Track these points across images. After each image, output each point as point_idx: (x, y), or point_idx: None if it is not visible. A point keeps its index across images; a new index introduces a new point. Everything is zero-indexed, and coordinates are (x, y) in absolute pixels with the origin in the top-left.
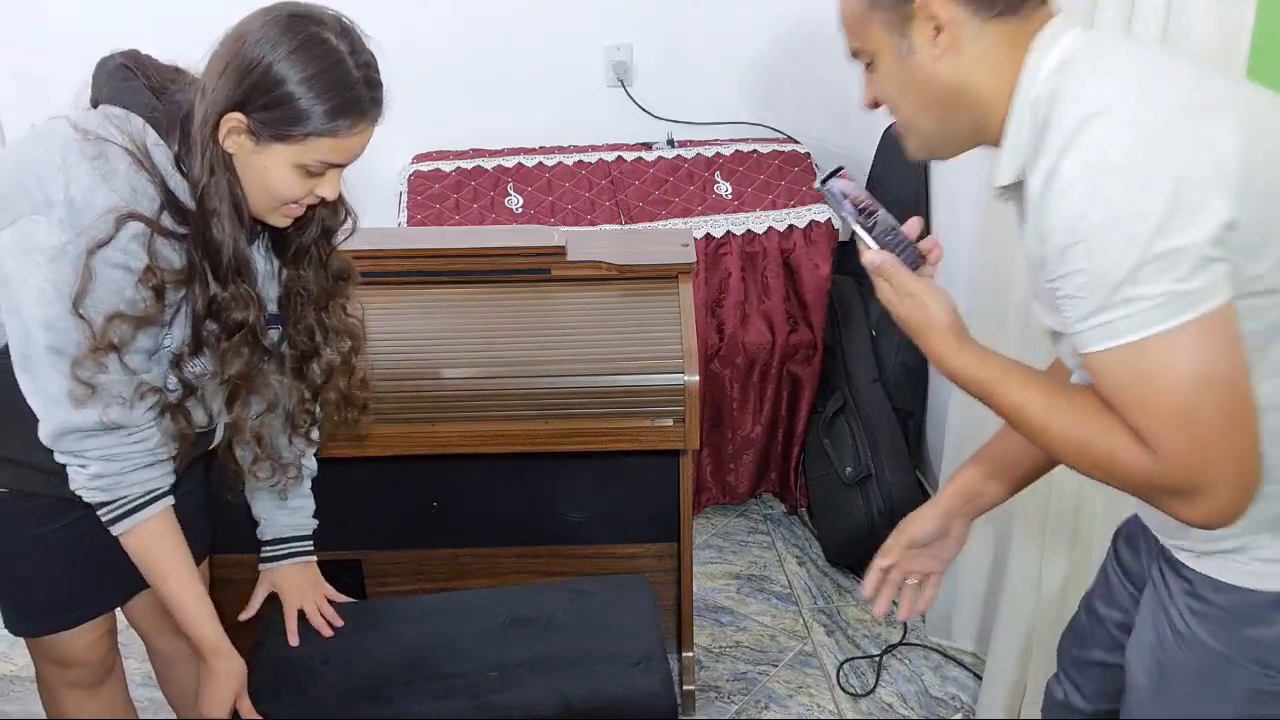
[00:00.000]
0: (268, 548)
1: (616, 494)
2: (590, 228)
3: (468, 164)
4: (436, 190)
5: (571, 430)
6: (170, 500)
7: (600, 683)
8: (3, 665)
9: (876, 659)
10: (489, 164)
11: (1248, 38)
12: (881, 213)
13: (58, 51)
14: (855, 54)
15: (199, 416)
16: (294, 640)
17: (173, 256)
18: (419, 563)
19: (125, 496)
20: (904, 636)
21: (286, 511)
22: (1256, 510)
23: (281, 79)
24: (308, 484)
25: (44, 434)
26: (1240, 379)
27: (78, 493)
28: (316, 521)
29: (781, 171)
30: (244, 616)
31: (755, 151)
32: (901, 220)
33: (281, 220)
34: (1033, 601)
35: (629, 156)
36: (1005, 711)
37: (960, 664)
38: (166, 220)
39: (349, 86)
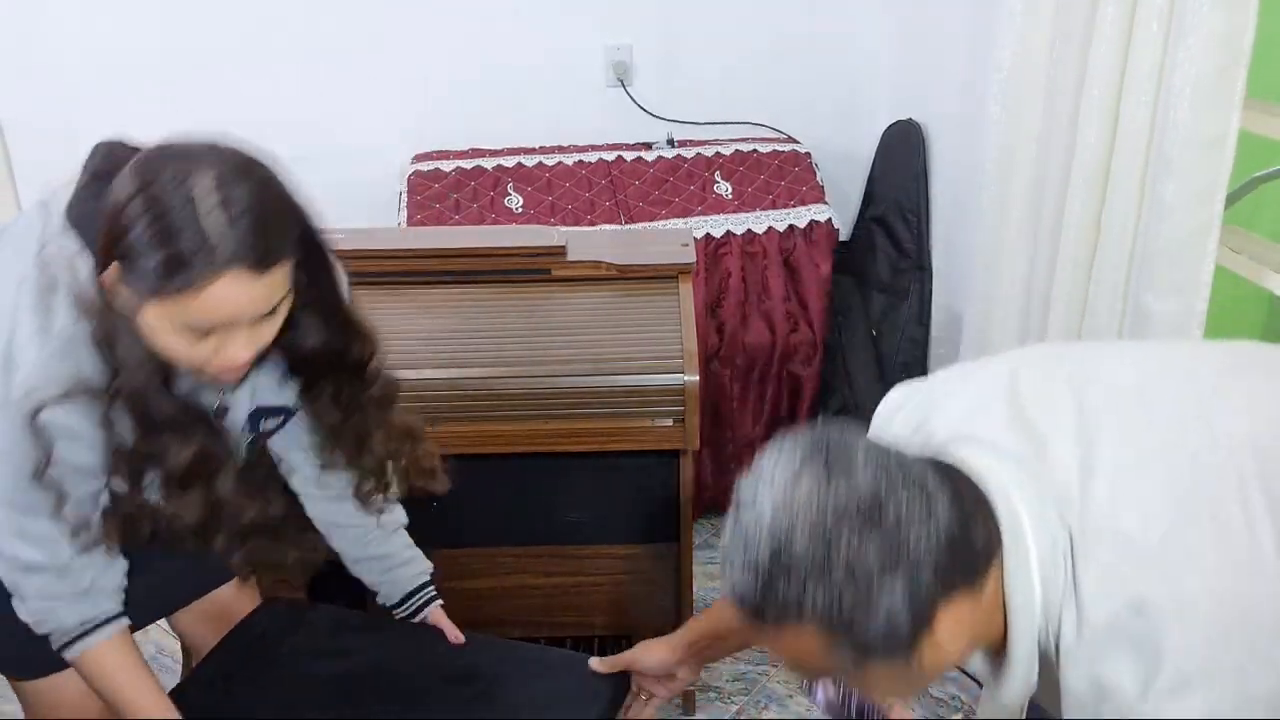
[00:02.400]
0: (400, 610)
1: (616, 494)
2: (590, 228)
3: (468, 164)
4: (436, 190)
5: (571, 430)
6: (116, 626)
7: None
8: None
9: None
10: (489, 164)
11: (1249, 38)
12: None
13: (58, 50)
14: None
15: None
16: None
17: (98, 423)
18: None
19: (60, 628)
20: None
21: (393, 573)
22: None
23: (124, 228)
24: (402, 534)
25: None
26: None
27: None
28: (430, 565)
29: (781, 171)
30: None
31: (755, 151)
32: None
33: (215, 380)
34: None
35: (629, 156)
36: (1006, 712)
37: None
38: (97, 379)
39: (188, 236)
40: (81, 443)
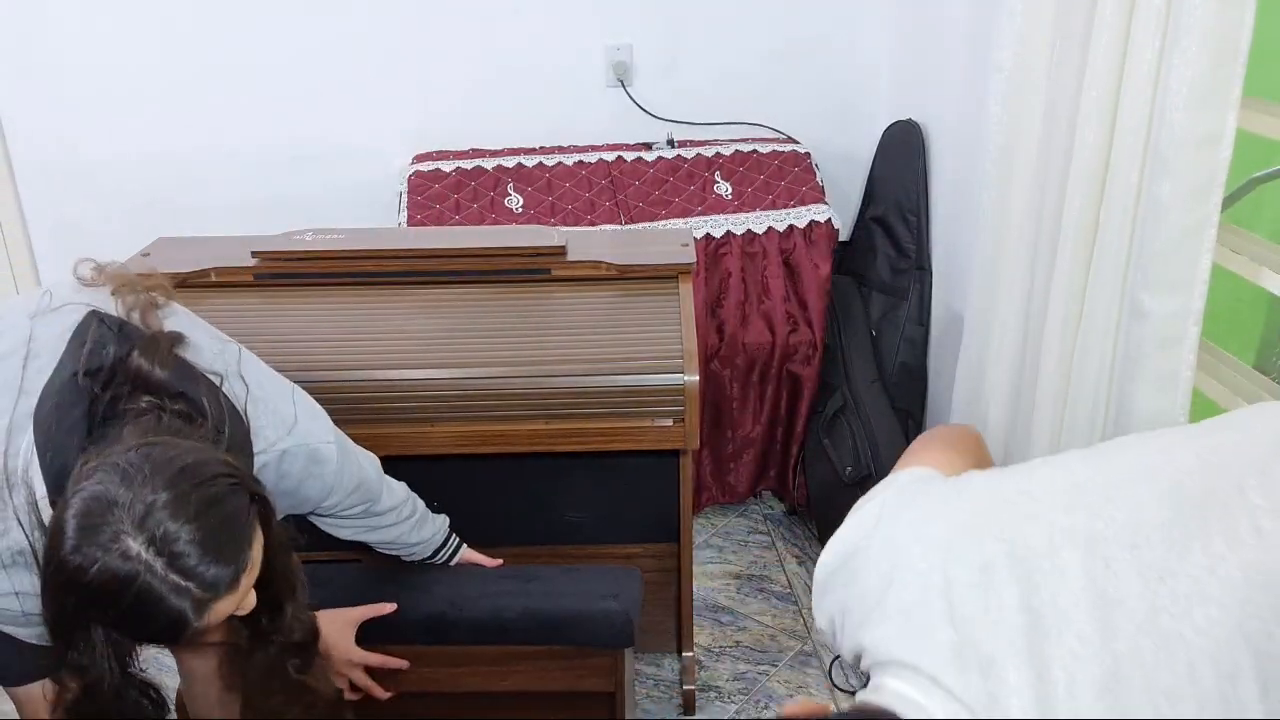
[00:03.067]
0: (434, 560)
1: (616, 494)
2: (590, 228)
3: (468, 164)
4: (436, 190)
5: (571, 430)
6: None
7: (566, 602)
8: None
9: None
10: (489, 164)
11: (1248, 38)
12: None
13: (59, 52)
14: None
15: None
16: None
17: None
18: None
19: None
20: None
21: (423, 544)
22: None
23: (99, 613)
24: (427, 514)
25: None
26: None
27: None
28: (445, 517)
29: (781, 171)
30: None
31: (755, 151)
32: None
33: None
34: None
35: (629, 156)
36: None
37: None
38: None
39: (164, 613)
40: (32, 618)
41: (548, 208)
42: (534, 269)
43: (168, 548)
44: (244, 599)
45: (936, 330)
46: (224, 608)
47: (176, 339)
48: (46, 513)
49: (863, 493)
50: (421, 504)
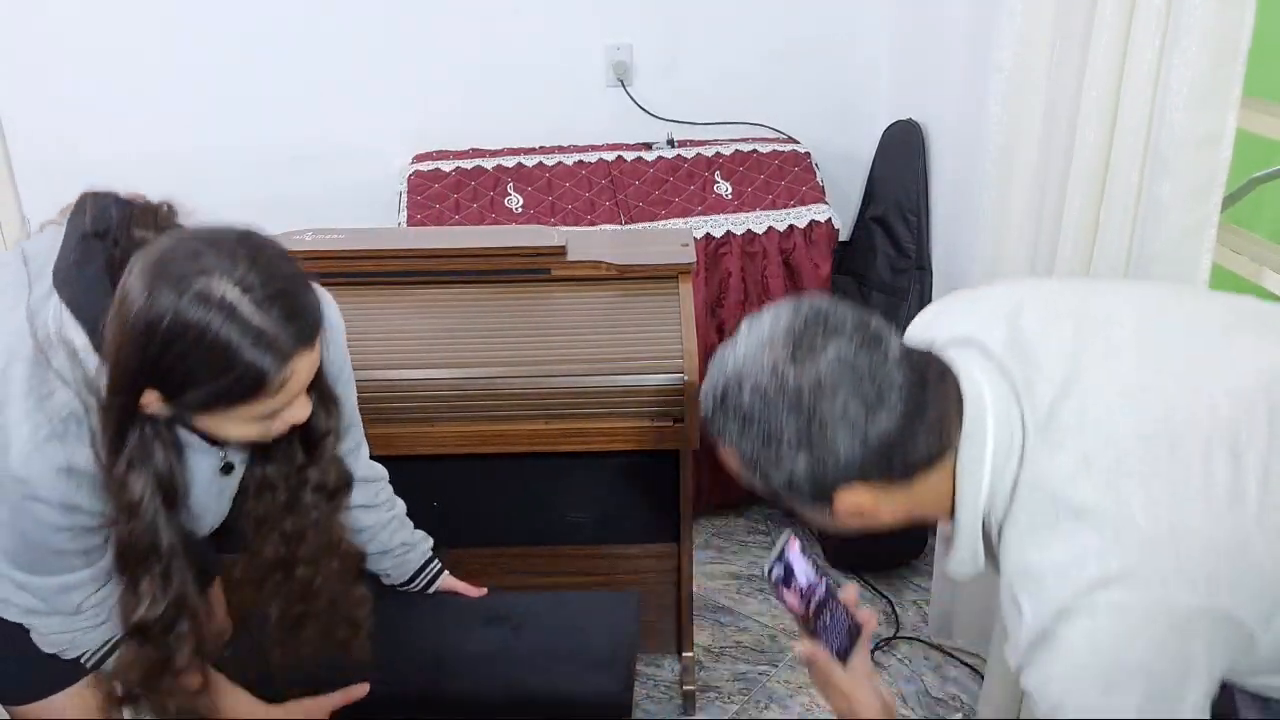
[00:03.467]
0: (412, 585)
1: (616, 494)
2: (590, 228)
3: (468, 164)
4: (436, 190)
5: (571, 430)
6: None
7: (556, 679)
8: None
9: (870, 655)
10: (489, 164)
11: (1248, 38)
12: (821, 589)
13: (58, 51)
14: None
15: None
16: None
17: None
18: None
19: (86, 650)
20: (896, 631)
21: (406, 555)
22: None
23: (167, 361)
24: (408, 521)
25: None
26: None
27: None
28: (430, 539)
29: (781, 171)
30: None
31: (755, 151)
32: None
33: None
34: None
35: (629, 156)
36: (1005, 711)
37: (960, 664)
38: (89, 466)
39: (247, 352)
40: (79, 513)
41: (548, 208)
42: (534, 269)
43: (249, 293)
44: (312, 373)
45: None
46: (301, 368)
47: (172, 207)
48: (91, 363)
49: None
50: (402, 505)
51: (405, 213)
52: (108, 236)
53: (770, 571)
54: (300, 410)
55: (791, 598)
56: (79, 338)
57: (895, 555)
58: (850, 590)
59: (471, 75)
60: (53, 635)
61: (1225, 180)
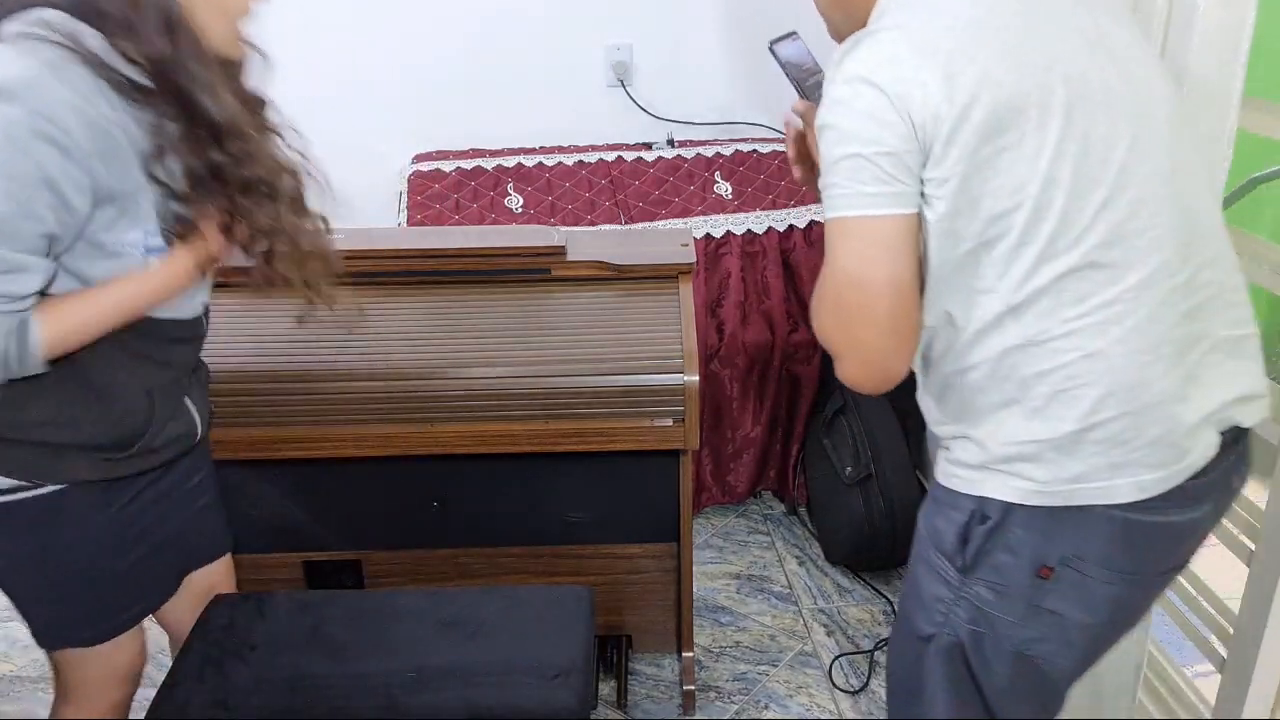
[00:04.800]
0: None
1: (616, 494)
2: (590, 228)
3: (468, 164)
4: (436, 190)
5: (572, 430)
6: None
7: (513, 692)
8: (3, 665)
9: (869, 654)
10: (489, 164)
11: (1248, 37)
12: (820, 75)
13: None
14: None
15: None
16: None
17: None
18: (419, 563)
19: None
20: None
21: None
22: (952, 419)
23: None
24: None
25: None
26: (885, 287)
27: None
28: None
29: (781, 171)
30: None
31: (755, 151)
32: None
33: (239, 50)
34: None
35: (629, 156)
36: None
37: None
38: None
39: None
40: (73, 160)
41: (548, 208)
42: (534, 269)
43: None
44: None
45: None
46: None
47: None
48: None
49: (862, 493)
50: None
51: (405, 213)
52: None
53: (775, 41)
54: None
55: (793, 61)
56: (34, 15)
57: (895, 555)
58: None
59: (472, 75)
60: None
61: (1225, 180)
